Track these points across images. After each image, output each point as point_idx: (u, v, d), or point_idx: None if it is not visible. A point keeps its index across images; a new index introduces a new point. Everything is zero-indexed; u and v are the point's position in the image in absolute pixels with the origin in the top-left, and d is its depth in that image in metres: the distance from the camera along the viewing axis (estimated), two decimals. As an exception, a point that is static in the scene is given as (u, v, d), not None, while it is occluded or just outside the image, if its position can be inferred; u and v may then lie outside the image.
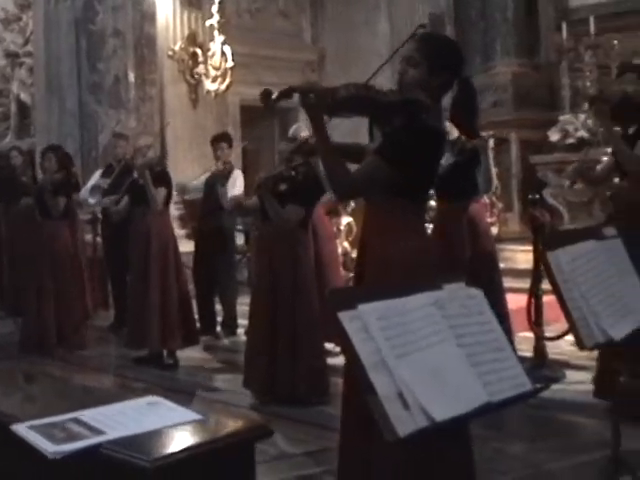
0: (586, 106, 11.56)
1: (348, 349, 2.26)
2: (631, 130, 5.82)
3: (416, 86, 3.80)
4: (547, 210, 8.86)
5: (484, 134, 6.99)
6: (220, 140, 9.54)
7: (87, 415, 2.70)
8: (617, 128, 6.13)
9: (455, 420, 2.33)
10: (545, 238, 3.31)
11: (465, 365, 2.43)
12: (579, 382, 6.47)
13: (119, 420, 2.65)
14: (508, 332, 6.84)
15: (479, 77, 12.58)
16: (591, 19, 11.47)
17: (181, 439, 2.63)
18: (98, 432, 2.56)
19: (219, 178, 9.22)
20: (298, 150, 6.26)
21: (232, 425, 2.78)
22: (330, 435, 4.53)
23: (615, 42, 11.65)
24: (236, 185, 9.29)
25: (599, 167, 6.39)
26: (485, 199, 7.51)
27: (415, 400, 2.25)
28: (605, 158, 6.38)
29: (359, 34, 13.92)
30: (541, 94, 12.34)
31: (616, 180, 6.30)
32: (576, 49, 12.02)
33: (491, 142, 6.99)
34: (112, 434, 2.57)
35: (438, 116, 3.89)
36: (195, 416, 2.78)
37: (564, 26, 11.83)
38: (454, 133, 6.89)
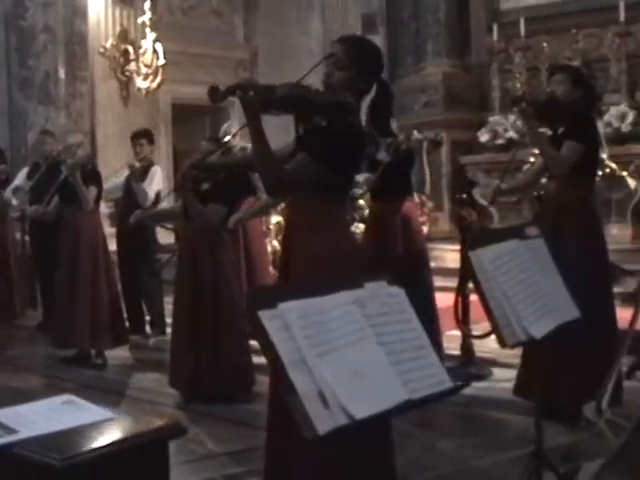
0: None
1: (268, 348, 2.26)
2: (559, 131, 5.85)
3: (344, 88, 3.86)
4: (476, 210, 8.94)
5: (419, 135, 7.04)
6: (140, 136, 9.41)
7: (1, 414, 2.67)
8: (543, 130, 6.20)
9: (375, 418, 2.35)
10: (468, 238, 3.33)
11: (385, 363, 2.44)
12: (506, 380, 6.52)
13: (33, 419, 2.63)
14: (437, 330, 6.91)
15: (410, 78, 12.70)
16: (521, 21, 11.61)
17: (93, 438, 2.61)
18: (11, 431, 2.54)
19: (135, 175, 9.10)
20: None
21: (145, 424, 2.77)
22: (258, 434, 4.52)
23: (545, 44, 11.81)
24: (154, 181, 9.19)
25: (522, 174, 6.43)
26: (416, 198, 7.55)
27: (335, 398, 2.26)
28: (532, 159, 6.45)
29: (292, 33, 13.94)
30: (471, 95, 12.47)
31: (544, 181, 6.35)
32: (506, 51, 12.16)
33: (425, 144, 7.04)
34: (25, 433, 2.55)
35: (359, 117, 3.96)
36: (109, 415, 2.77)
37: (495, 28, 11.97)
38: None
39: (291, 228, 3.93)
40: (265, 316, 2.27)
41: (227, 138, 7.36)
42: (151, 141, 9.48)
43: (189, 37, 13.78)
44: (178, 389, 6.69)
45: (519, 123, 11.17)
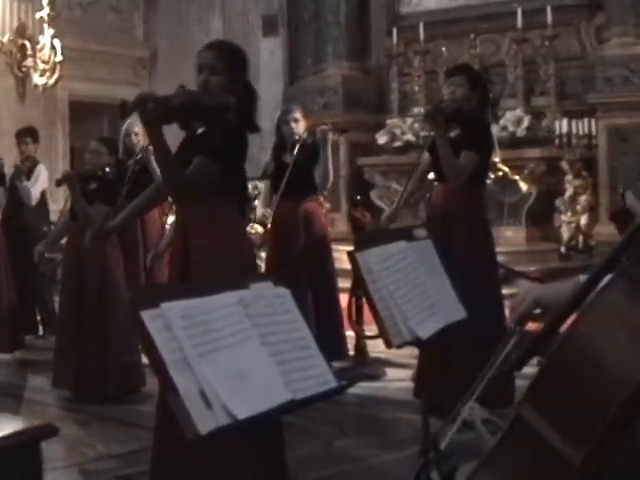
0: (414, 110, 11.83)
1: (149, 348, 2.25)
2: (452, 134, 5.88)
3: (223, 91, 3.95)
4: (373, 211, 9.02)
5: (325, 127, 7.07)
6: (24, 135, 9.31)
7: None
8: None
9: (257, 418, 2.35)
10: (355, 239, 3.37)
11: (269, 364, 2.44)
12: (400, 380, 6.61)
13: None
14: (340, 327, 6.97)
15: (310, 79, 12.73)
16: (420, 26, 11.73)
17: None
18: None
19: (19, 173, 8.97)
20: None
21: (15, 425, 2.73)
22: (148, 435, 4.49)
23: (443, 49, 11.98)
24: (39, 180, 9.07)
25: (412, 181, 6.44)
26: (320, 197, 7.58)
27: (217, 398, 2.25)
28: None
29: (192, 32, 13.87)
30: (370, 97, 12.55)
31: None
32: (405, 54, 12.29)
33: (330, 135, 7.07)
34: None
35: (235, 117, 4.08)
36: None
37: (395, 31, 12.08)
38: (299, 132, 7.02)
39: (188, 229, 3.97)
40: (147, 316, 2.25)
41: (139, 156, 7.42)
42: (36, 139, 9.37)
43: (88, 34, 13.60)
44: (63, 389, 6.64)
45: (416, 126, 11.32)
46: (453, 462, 2.62)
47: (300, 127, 7.11)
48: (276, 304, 2.60)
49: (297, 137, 7.06)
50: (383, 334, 3.12)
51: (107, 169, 6.81)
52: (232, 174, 3.89)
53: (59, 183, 6.73)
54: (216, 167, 3.84)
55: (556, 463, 1.84)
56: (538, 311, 2.28)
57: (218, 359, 2.33)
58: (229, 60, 4.05)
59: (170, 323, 2.28)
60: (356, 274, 3.17)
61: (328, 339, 6.83)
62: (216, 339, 2.36)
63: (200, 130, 4.03)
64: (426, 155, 6.25)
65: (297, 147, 6.91)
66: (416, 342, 3.26)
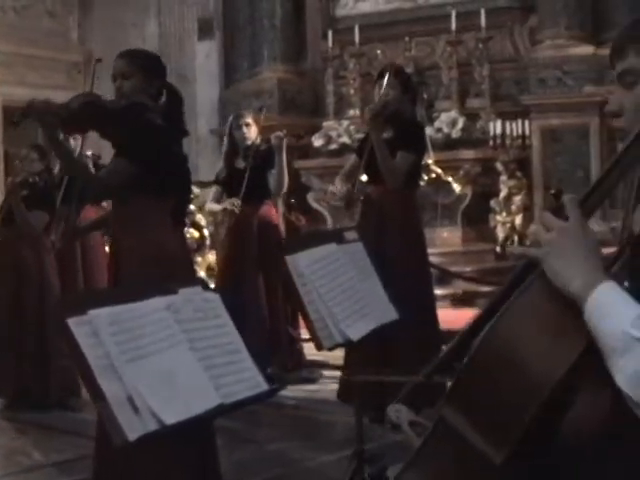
0: (349, 113, 11.87)
1: (76, 355, 2.24)
2: (386, 135, 5.92)
3: (136, 94, 3.98)
4: (310, 214, 9.04)
5: (280, 133, 7.07)
6: None
7: None
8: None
9: (187, 423, 2.36)
10: (284, 242, 3.38)
11: (197, 368, 2.45)
12: (336, 382, 6.61)
13: None
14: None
15: (246, 82, 12.71)
16: (356, 28, 11.75)
17: None
18: None
19: None
20: None
21: None
22: (87, 443, 4.47)
23: (378, 52, 12.01)
24: None
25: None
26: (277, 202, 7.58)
27: (145, 404, 2.26)
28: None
29: (127, 36, 13.76)
30: (306, 100, 12.55)
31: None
32: (341, 57, 12.30)
33: (285, 141, 7.07)
34: None
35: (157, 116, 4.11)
36: None
37: (330, 34, 12.08)
38: (251, 137, 7.03)
39: (117, 230, 3.98)
40: (73, 322, 2.25)
41: None
42: None
43: (22, 38, 13.44)
44: (2, 397, 6.57)
45: (352, 128, 11.35)
46: (382, 463, 2.66)
47: (252, 132, 7.13)
48: (205, 309, 2.61)
49: (249, 142, 7.08)
50: (314, 337, 3.14)
51: (37, 177, 6.78)
52: (158, 175, 3.89)
53: (7, 195, 6.72)
54: (131, 166, 3.86)
55: (478, 463, 1.87)
56: None
57: (146, 365, 2.33)
58: (139, 64, 4.12)
59: (97, 329, 2.28)
60: (286, 277, 3.18)
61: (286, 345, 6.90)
62: (144, 345, 2.36)
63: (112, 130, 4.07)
64: (352, 157, 6.31)
65: (250, 154, 6.93)
66: (347, 344, 3.29)
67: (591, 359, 1.82)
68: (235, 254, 7.05)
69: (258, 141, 7.14)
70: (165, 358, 2.39)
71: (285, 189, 7.30)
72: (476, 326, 1.99)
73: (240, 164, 7.10)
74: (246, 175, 6.90)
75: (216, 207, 7.35)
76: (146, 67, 4.14)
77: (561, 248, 1.90)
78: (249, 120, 7.18)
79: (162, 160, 3.95)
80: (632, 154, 1.93)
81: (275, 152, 6.95)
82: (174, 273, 3.72)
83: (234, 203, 6.97)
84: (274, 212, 7.36)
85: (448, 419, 1.91)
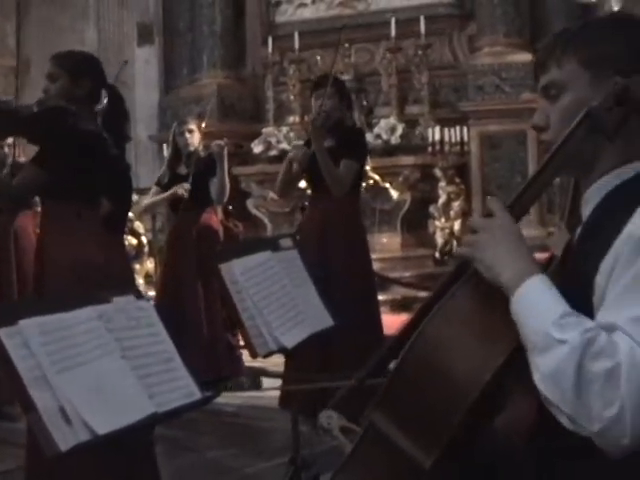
0: (289, 119, 11.89)
1: (6, 366, 2.22)
2: (327, 144, 5.94)
3: (60, 98, 3.96)
4: (249, 220, 9.04)
5: (221, 141, 7.06)
6: None
7: None
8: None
9: (120, 432, 2.35)
10: (218, 250, 3.39)
11: (131, 377, 2.44)
12: (275, 389, 6.63)
13: None
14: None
15: (186, 88, 12.67)
16: (296, 35, 11.78)
17: None
18: None
19: None
20: None
21: None
22: (23, 453, 4.43)
23: (318, 58, 12.04)
24: None
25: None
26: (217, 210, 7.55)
27: (77, 414, 2.25)
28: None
29: (66, 40, 13.64)
30: (246, 106, 12.54)
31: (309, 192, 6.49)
32: (281, 63, 12.32)
33: (226, 150, 7.07)
34: None
35: (94, 122, 4.05)
36: None
37: (270, 41, 12.09)
38: (194, 143, 7.01)
39: (41, 236, 3.96)
40: (3, 333, 2.23)
41: None
42: None
43: (-43, 43, 13.34)
44: None
45: (292, 135, 11.37)
46: (315, 470, 2.67)
47: (195, 138, 7.14)
48: (138, 317, 2.60)
49: (192, 148, 7.08)
50: (248, 344, 3.15)
51: None
52: (82, 181, 3.86)
53: None
54: (42, 173, 3.82)
55: (408, 468, 1.90)
56: None
57: (78, 375, 2.32)
58: (66, 66, 4.10)
59: (28, 340, 2.27)
60: (220, 285, 3.18)
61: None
62: (76, 355, 2.35)
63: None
64: (284, 163, 6.34)
65: (192, 162, 6.92)
66: (282, 351, 3.30)
67: (522, 360, 1.86)
68: (175, 261, 7.05)
69: (200, 148, 7.14)
70: (97, 368, 2.38)
71: (227, 197, 7.30)
72: (408, 330, 2.02)
73: (182, 170, 7.10)
74: (188, 182, 6.90)
75: (160, 197, 7.27)
76: (73, 69, 4.11)
77: (489, 241, 1.95)
78: (192, 126, 7.19)
79: (86, 166, 3.91)
80: (556, 163, 1.97)
81: (216, 160, 6.95)
82: (105, 282, 3.68)
83: (184, 187, 6.97)
84: (215, 220, 7.34)
85: (378, 424, 1.93)
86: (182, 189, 6.94)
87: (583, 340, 1.76)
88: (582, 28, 2.07)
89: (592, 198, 2.02)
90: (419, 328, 1.90)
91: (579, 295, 1.90)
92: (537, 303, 1.84)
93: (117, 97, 4.22)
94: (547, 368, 1.78)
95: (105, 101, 4.23)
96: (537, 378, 1.81)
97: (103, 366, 2.40)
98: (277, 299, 3.31)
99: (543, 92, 2.08)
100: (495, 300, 1.89)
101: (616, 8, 9.17)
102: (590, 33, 2.03)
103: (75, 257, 3.79)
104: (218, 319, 6.85)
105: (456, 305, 1.92)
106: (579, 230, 2.06)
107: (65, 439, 2.21)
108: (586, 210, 2.05)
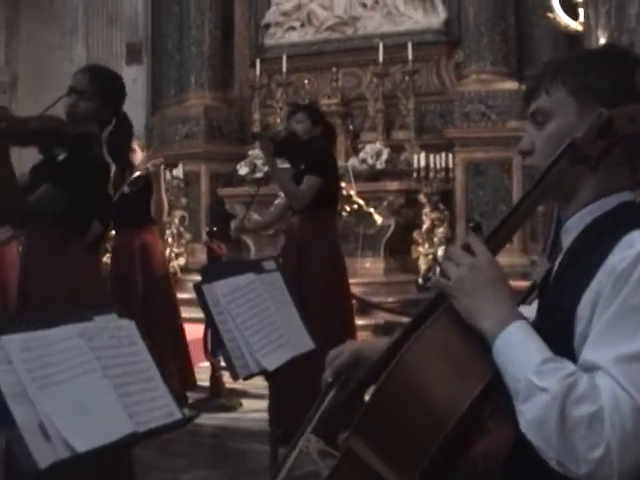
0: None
1: (-14, 382, 2.23)
2: (301, 167, 6.06)
3: (89, 119, 3.88)
4: (233, 242, 9.04)
5: (157, 160, 7.12)
6: None
7: None
8: (287, 165, 6.38)
9: (100, 450, 2.35)
10: (200, 271, 3.39)
11: (111, 396, 2.45)
12: (255, 411, 6.63)
13: None
14: (187, 360, 6.97)
15: (172, 108, 12.70)
16: (284, 58, 11.82)
17: None
18: None
19: None
20: None
21: None
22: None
23: (306, 81, 12.10)
24: None
25: (273, 208, 6.60)
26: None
27: (56, 431, 2.25)
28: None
29: (54, 58, 13.69)
30: (232, 128, 12.57)
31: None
32: (268, 86, 12.36)
33: (162, 169, 7.12)
34: None
35: (102, 148, 3.98)
36: None
37: (258, 63, 12.13)
38: (135, 162, 7.03)
39: (29, 259, 3.90)
40: (-15, 349, 2.24)
41: None
42: None
43: (-54, 58, 13.35)
44: None
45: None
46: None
47: (137, 158, 7.15)
48: (120, 336, 2.60)
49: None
50: (229, 366, 3.15)
51: None
52: (86, 210, 3.82)
53: None
54: (63, 199, 3.73)
55: (384, 492, 1.91)
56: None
57: (58, 392, 2.32)
58: (101, 87, 3.96)
59: (10, 356, 2.27)
60: (202, 306, 3.19)
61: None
62: (57, 372, 2.35)
63: (61, 157, 3.86)
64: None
65: (130, 180, 6.94)
66: (263, 374, 3.30)
67: (499, 388, 1.87)
68: (117, 283, 7.00)
69: (141, 167, 7.16)
70: (78, 385, 2.38)
71: (165, 216, 7.35)
72: (387, 356, 2.03)
73: (125, 189, 7.11)
74: (116, 200, 6.90)
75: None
76: (107, 91, 3.98)
77: (471, 286, 1.95)
78: (134, 146, 7.20)
79: (94, 196, 3.89)
80: (538, 192, 1.99)
81: (153, 180, 7.02)
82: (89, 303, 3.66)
83: (156, 163, 7.02)
84: (156, 239, 7.36)
85: (355, 449, 1.94)
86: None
87: (563, 387, 1.78)
88: (573, 58, 2.11)
89: (573, 228, 2.05)
90: (397, 356, 1.91)
91: (558, 326, 1.92)
92: (517, 351, 1.86)
93: (127, 124, 4.12)
94: (531, 415, 1.80)
95: (113, 126, 4.05)
96: (522, 425, 1.83)
97: (84, 384, 2.40)
98: (259, 321, 3.32)
99: (531, 118, 2.12)
100: (473, 330, 1.91)
101: (602, 38, 9.24)
102: (580, 63, 2.07)
103: (65, 283, 3.74)
104: (163, 343, 6.76)
105: (434, 334, 1.93)
106: (559, 259, 2.08)
107: (44, 456, 2.21)
108: (567, 239, 2.07)
